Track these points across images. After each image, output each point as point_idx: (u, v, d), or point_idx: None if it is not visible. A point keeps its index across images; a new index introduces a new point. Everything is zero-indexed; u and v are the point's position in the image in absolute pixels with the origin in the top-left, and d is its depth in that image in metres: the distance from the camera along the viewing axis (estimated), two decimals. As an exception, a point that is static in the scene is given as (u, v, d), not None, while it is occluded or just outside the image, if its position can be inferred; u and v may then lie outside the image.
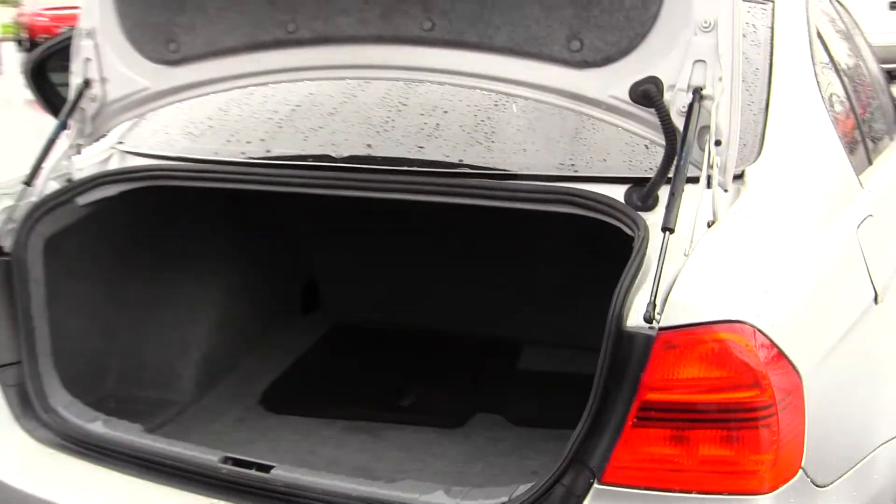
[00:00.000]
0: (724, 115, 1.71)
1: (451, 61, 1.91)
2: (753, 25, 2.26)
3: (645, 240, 1.60)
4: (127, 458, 1.85)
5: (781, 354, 1.51)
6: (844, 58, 2.74)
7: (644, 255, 1.58)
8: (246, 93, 2.34)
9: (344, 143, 2.09)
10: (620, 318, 1.51)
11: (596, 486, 1.52)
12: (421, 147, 2.05)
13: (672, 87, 1.74)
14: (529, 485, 1.58)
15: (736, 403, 1.49)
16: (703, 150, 1.70)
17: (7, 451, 1.94)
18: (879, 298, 2.00)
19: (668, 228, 1.57)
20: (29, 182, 2.11)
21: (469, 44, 1.88)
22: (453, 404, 2.55)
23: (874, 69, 3.19)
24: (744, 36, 2.19)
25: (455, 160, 1.98)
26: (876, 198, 2.26)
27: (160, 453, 1.84)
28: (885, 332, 2.00)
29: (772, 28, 2.24)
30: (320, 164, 2.02)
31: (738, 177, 1.83)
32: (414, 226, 2.62)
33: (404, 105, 2.17)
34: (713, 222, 1.66)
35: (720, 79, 1.70)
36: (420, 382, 2.69)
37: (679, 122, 1.71)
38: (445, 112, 2.12)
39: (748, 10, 2.31)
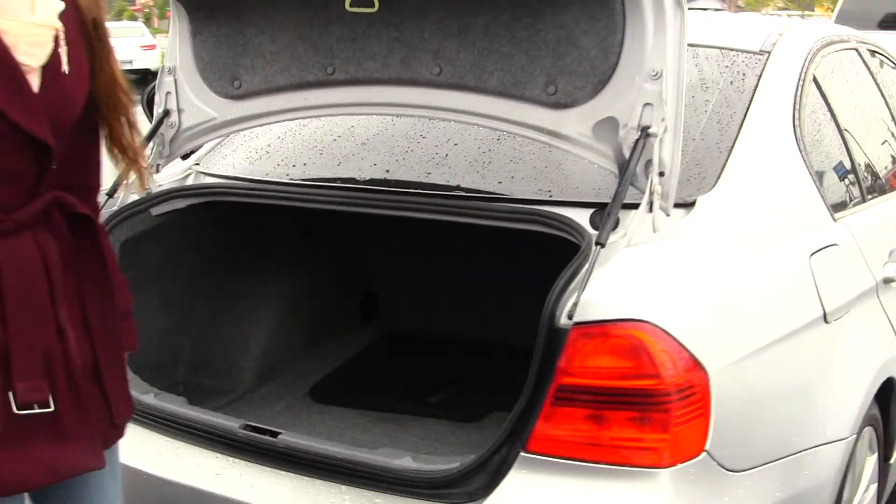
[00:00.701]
0: (666, 150, 2.01)
1: (454, 101, 2.27)
2: (743, 74, 2.53)
3: (584, 252, 1.91)
4: (167, 424, 2.24)
5: (685, 352, 1.79)
6: (852, 108, 2.97)
7: (580, 264, 1.88)
8: (302, 124, 2.75)
9: (369, 169, 2.48)
10: (552, 315, 1.82)
11: (522, 454, 1.83)
12: (429, 173, 2.42)
13: (626, 125, 2.05)
14: (477, 454, 1.90)
15: (639, 390, 1.78)
16: (648, 181, 2.00)
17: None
18: (830, 318, 2.24)
19: (599, 243, 1.88)
20: (111, 194, 2.56)
21: (468, 87, 2.24)
22: (476, 403, 2.87)
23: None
24: (731, 83, 2.50)
25: (454, 184, 2.34)
26: (852, 231, 2.49)
27: (193, 419, 2.23)
28: (834, 349, 2.24)
29: (759, 77, 2.51)
30: (344, 185, 2.41)
31: (691, 204, 2.11)
32: (461, 243, 2.96)
33: (423, 137, 2.53)
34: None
35: (663, 119, 2.00)
36: (453, 384, 3.02)
37: (638, 157, 2.02)
38: (455, 144, 2.49)
39: (744, 60, 2.59)
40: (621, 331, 1.77)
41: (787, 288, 2.16)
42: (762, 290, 2.07)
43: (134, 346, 1.86)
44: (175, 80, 2.65)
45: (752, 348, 1.98)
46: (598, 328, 1.78)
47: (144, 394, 2.35)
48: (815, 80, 2.70)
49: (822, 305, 2.22)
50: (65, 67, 1.62)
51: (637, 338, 1.77)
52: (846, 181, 2.70)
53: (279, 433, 2.12)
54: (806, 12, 21.72)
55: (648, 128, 2.01)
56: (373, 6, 2.25)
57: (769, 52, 2.62)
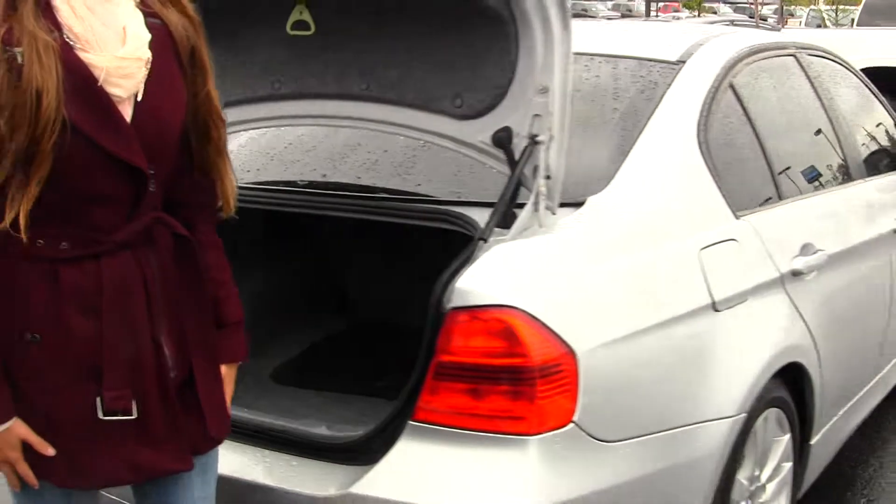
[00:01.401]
0: (552, 156, 2.26)
1: (379, 113, 2.54)
2: (655, 83, 2.76)
3: (472, 246, 2.17)
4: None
5: (552, 334, 2.04)
6: (778, 112, 3.18)
7: (467, 256, 2.14)
8: (261, 133, 3.03)
9: (309, 173, 2.76)
10: (436, 301, 2.08)
11: (410, 423, 2.10)
12: (359, 177, 2.69)
13: (518, 134, 2.30)
14: (376, 423, 2.17)
15: (508, 367, 2.03)
16: (535, 183, 2.25)
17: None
18: (720, 307, 2.46)
19: (481, 238, 2.14)
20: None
21: (391, 100, 2.51)
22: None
23: (851, 120, 3.56)
24: (641, 92, 2.73)
25: (380, 186, 2.62)
26: (756, 228, 2.71)
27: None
28: (722, 335, 2.46)
29: (669, 85, 2.74)
30: (286, 189, 2.70)
31: (580, 203, 2.36)
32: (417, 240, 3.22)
33: (359, 145, 2.81)
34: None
35: (549, 129, 2.25)
36: (401, 370, 3.28)
37: (525, 162, 2.27)
38: (385, 151, 2.76)
39: (659, 69, 2.82)
40: (492, 315, 2.02)
41: (671, 278, 2.38)
42: (642, 280, 2.30)
43: (244, 357, 2.01)
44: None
45: (627, 331, 2.21)
46: (472, 312, 2.03)
47: None
48: (732, 87, 2.91)
49: (711, 295, 2.44)
50: (150, 96, 1.72)
51: (506, 321, 2.02)
52: (758, 182, 2.91)
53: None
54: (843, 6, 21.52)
55: (536, 136, 2.26)
56: (309, 30, 2.53)
57: (684, 62, 2.85)
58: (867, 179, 3.60)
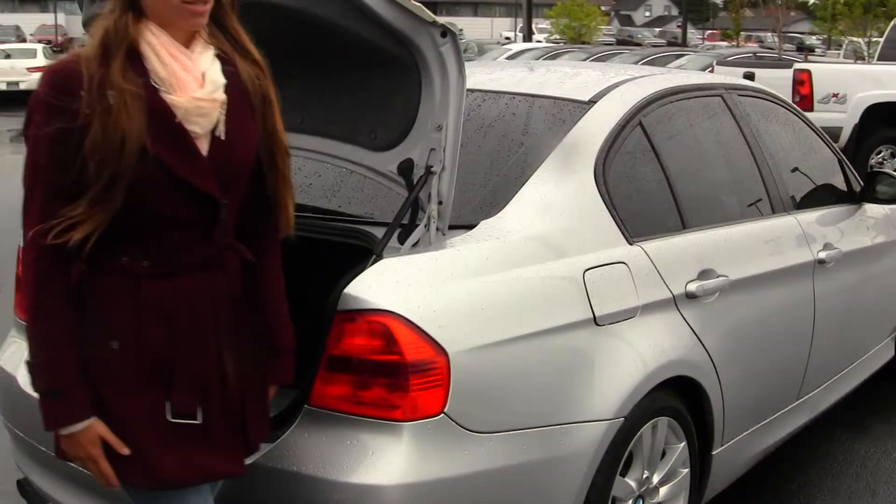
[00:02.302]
0: (444, 185, 2.60)
1: (311, 144, 2.91)
2: (563, 120, 3.09)
3: (368, 259, 2.51)
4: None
5: (426, 336, 2.37)
6: (693, 149, 3.49)
7: (361, 268, 2.48)
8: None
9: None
10: (333, 304, 2.43)
11: (306, 406, 2.44)
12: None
13: (418, 165, 2.65)
14: (280, 408, 2.52)
15: (386, 363, 2.37)
16: (429, 207, 2.60)
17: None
18: (601, 321, 2.77)
19: (375, 253, 2.49)
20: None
21: (320, 132, 2.88)
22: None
23: (775, 155, 3.85)
24: (549, 128, 3.07)
25: (309, 205, 2.98)
26: (650, 253, 3.01)
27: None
28: (602, 346, 2.77)
29: (575, 123, 3.07)
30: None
31: (473, 226, 2.69)
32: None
33: (299, 170, 3.17)
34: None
35: (441, 161, 2.60)
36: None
37: (420, 189, 2.62)
38: (319, 175, 3.14)
39: (570, 109, 3.15)
40: (373, 318, 2.37)
41: (551, 294, 2.70)
42: (521, 295, 2.62)
43: (290, 381, 2.24)
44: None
45: (502, 338, 2.53)
46: (357, 315, 2.38)
47: None
48: (640, 125, 3.23)
49: (592, 311, 2.76)
50: (223, 133, 1.96)
51: (384, 324, 2.36)
52: (660, 212, 3.22)
53: None
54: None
55: (431, 167, 2.60)
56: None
57: (595, 102, 3.18)
58: (793, 213, 3.87)
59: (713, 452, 3.33)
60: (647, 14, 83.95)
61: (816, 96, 10.76)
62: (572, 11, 35.13)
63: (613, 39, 56.27)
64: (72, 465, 2.76)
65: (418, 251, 2.55)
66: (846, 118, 10.79)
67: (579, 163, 2.97)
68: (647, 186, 3.23)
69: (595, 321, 2.77)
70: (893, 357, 5.02)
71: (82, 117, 1.84)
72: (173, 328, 1.95)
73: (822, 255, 3.89)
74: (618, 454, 2.83)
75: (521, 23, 35.07)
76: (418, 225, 2.59)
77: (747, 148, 3.75)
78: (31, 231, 1.91)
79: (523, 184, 2.84)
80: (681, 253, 3.18)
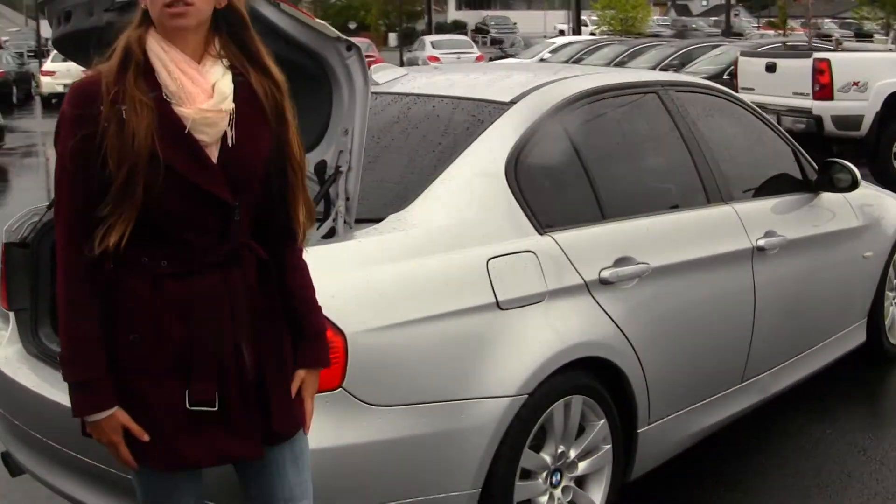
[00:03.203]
0: (350, 183, 2.86)
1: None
2: (481, 120, 3.32)
3: None
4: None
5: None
6: (612, 145, 3.70)
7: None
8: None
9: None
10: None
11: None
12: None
13: (330, 166, 2.91)
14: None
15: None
16: (337, 202, 2.86)
17: (11, 356, 3.38)
18: (504, 305, 3.00)
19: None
20: (50, 206, 3.56)
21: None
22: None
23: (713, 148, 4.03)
24: (467, 128, 3.30)
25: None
26: (562, 243, 3.23)
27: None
28: (505, 329, 2.99)
29: (492, 122, 3.30)
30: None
31: (380, 219, 2.94)
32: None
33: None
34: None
35: (348, 162, 2.85)
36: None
37: (331, 187, 2.88)
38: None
39: (490, 109, 3.37)
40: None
41: (453, 281, 2.94)
42: (423, 280, 2.86)
43: (326, 364, 2.35)
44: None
45: (401, 320, 2.77)
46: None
47: (53, 343, 3.33)
48: (560, 123, 3.45)
49: (495, 295, 2.99)
50: (232, 141, 2.08)
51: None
52: (576, 204, 3.44)
53: None
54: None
55: (340, 167, 2.86)
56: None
57: (515, 103, 3.40)
58: (731, 203, 4.04)
59: (638, 430, 3.53)
60: (705, 3, 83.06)
61: (836, 85, 10.79)
62: (619, 3, 35.06)
63: (668, 30, 56.00)
64: (49, 442, 3.13)
65: (325, 242, 2.81)
66: (867, 106, 10.81)
67: (490, 160, 3.20)
68: (563, 181, 3.45)
69: (498, 305, 3.00)
70: (865, 341, 5.16)
71: (102, 125, 2.01)
72: (190, 323, 2.10)
73: (762, 242, 4.06)
74: (525, 429, 3.05)
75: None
76: (328, 219, 2.85)
77: (681, 141, 3.93)
78: (63, 235, 2.09)
79: (433, 180, 3.08)
80: (595, 242, 3.39)
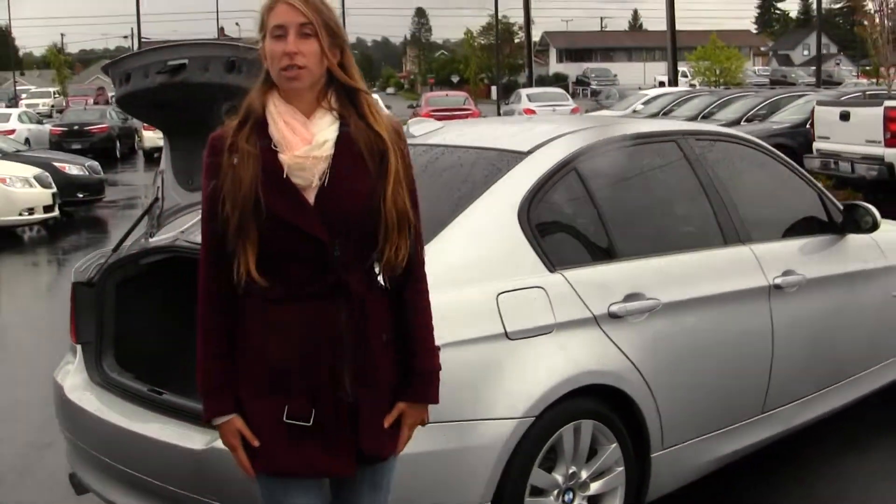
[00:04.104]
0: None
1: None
2: (499, 169, 3.66)
3: None
4: (122, 391, 3.66)
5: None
6: (629, 189, 3.99)
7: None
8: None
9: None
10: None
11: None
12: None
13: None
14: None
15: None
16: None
17: (78, 384, 3.83)
18: (513, 336, 3.31)
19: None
20: (115, 249, 4.03)
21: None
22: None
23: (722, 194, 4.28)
24: (486, 176, 3.64)
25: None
26: (571, 280, 3.53)
27: (129, 387, 3.64)
28: (514, 357, 3.30)
29: (509, 171, 3.63)
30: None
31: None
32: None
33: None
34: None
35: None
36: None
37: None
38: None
39: (508, 159, 3.71)
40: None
41: (466, 312, 3.26)
42: (437, 311, 3.14)
43: (432, 400, 2.53)
44: (162, 178, 4.11)
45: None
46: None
47: (117, 374, 3.77)
48: (576, 170, 3.77)
49: (504, 326, 3.30)
50: (330, 183, 2.32)
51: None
52: (589, 245, 3.74)
53: (163, 392, 3.48)
54: None
55: None
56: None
57: (532, 153, 3.74)
58: (748, 244, 4.28)
59: (652, 455, 3.77)
60: (806, 53, 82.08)
61: (908, 131, 10.83)
62: (713, 54, 35.09)
63: (767, 80, 55.53)
64: (110, 462, 3.53)
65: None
66: (941, 152, 10.82)
67: (504, 204, 3.53)
68: (576, 223, 3.76)
69: (507, 335, 3.31)
70: (905, 377, 5.28)
71: (223, 172, 2.35)
72: (292, 345, 2.35)
73: (779, 280, 4.28)
74: (533, 449, 3.34)
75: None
76: None
77: (699, 186, 4.20)
78: (203, 268, 2.43)
79: (449, 223, 3.43)
80: (605, 279, 3.67)
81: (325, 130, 2.37)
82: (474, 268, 3.38)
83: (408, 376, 2.50)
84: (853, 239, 4.87)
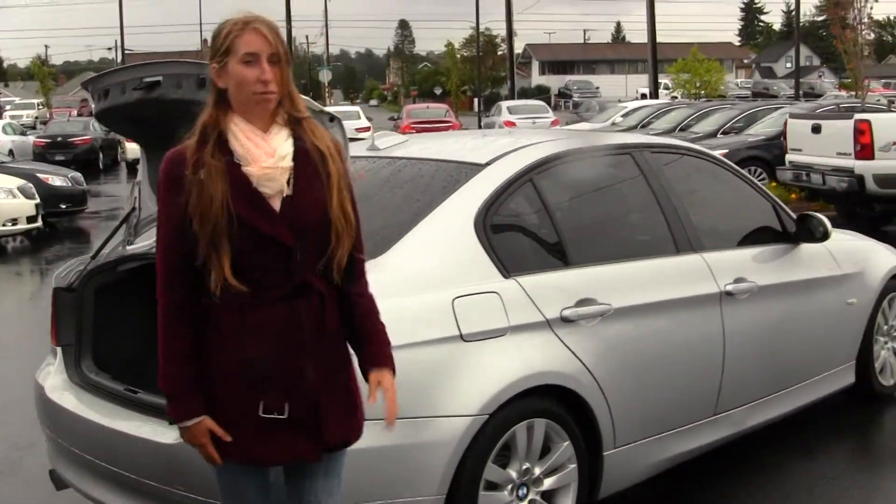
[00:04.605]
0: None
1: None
2: (457, 180, 3.86)
3: None
4: (100, 391, 3.84)
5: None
6: (582, 200, 4.20)
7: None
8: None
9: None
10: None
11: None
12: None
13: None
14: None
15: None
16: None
17: (58, 385, 4.01)
18: (468, 338, 3.51)
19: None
20: (94, 256, 4.21)
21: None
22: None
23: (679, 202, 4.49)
24: (444, 187, 3.84)
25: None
26: (525, 285, 3.73)
27: (106, 386, 3.82)
28: (468, 358, 3.49)
29: (466, 182, 3.83)
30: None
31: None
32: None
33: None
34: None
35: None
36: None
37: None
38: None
39: (466, 170, 3.91)
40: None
41: (422, 316, 3.45)
42: (392, 315, 3.34)
43: (385, 364, 2.71)
44: (139, 189, 4.29)
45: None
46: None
47: (94, 374, 3.95)
48: (531, 181, 3.97)
49: (459, 329, 3.49)
50: (293, 193, 2.53)
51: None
52: (543, 252, 3.94)
53: (138, 391, 3.66)
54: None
55: None
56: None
57: (490, 164, 3.94)
58: (701, 252, 4.48)
59: (604, 453, 3.96)
60: (788, 65, 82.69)
61: (877, 145, 11.10)
62: (693, 67, 35.47)
63: (749, 92, 55.98)
64: (88, 457, 3.70)
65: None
66: (909, 165, 11.08)
67: (461, 214, 3.73)
68: (530, 232, 3.96)
69: (462, 338, 3.50)
70: (854, 382, 5.50)
71: (187, 188, 2.51)
72: (264, 344, 2.54)
73: (730, 287, 4.49)
74: (487, 445, 3.52)
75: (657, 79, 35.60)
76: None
77: (652, 197, 4.41)
78: (160, 280, 2.61)
79: (407, 232, 3.62)
80: (558, 285, 3.87)
81: (283, 145, 2.58)
82: (432, 274, 3.57)
83: (367, 349, 2.74)
84: (806, 248, 5.08)
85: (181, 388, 2.60)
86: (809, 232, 5.05)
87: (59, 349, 4.09)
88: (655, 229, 4.43)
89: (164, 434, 3.36)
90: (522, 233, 3.97)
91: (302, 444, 2.61)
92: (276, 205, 2.54)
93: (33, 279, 12.08)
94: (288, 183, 2.56)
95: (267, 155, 2.55)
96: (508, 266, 3.75)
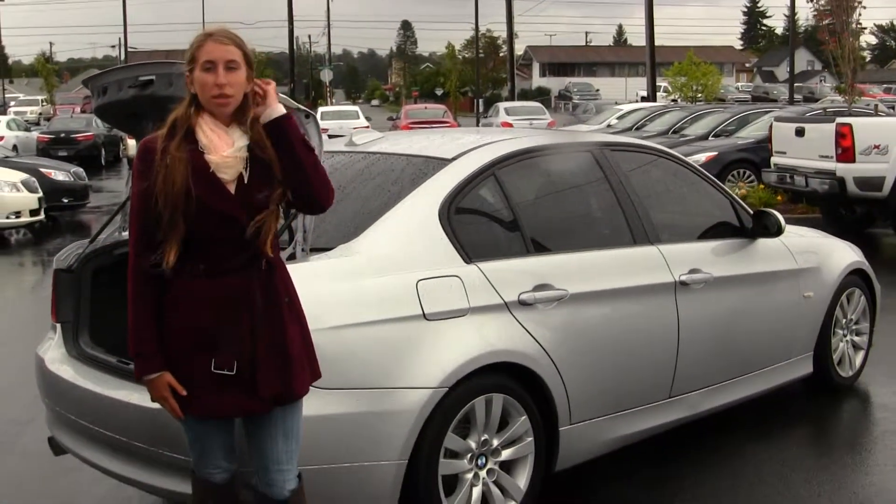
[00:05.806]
0: (308, 220, 3.72)
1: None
2: (425, 173, 4.17)
3: None
4: (98, 364, 4.16)
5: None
6: (543, 194, 4.52)
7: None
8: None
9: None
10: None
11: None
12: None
13: (293, 205, 3.79)
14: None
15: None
16: (297, 234, 3.73)
17: (57, 357, 4.33)
18: (430, 317, 3.82)
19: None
20: (92, 240, 4.52)
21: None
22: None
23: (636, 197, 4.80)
24: (413, 180, 4.16)
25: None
26: (485, 270, 4.04)
27: (101, 359, 4.14)
28: (430, 335, 3.80)
29: (433, 175, 4.15)
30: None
31: (331, 248, 3.80)
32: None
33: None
34: (289, 266, 3.68)
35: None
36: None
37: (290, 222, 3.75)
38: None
39: (434, 164, 4.23)
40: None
41: (388, 296, 3.76)
42: (357, 294, 3.69)
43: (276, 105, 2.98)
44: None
45: (340, 324, 3.60)
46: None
47: (91, 348, 4.27)
48: (494, 175, 4.28)
49: (422, 308, 3.81)
50: (248, 179, 2.91)
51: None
52: (504, 241, 4.27)
53: (129, 363, 3.96)
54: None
55: None
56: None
57: (456, 159, 4.26)
58: (657, 244, 4.79)
59: (560, 428, 4.28)
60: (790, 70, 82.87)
61: (858, 148, 11.39)
62: (689, 70, 35.74)
63: (749, 96, 56.22)
64: (83, 423, 4.02)
65: (289, 263, 3.67)
66: (888, 168, 11.38)
67: (427, 204, 4.04)
68: (492, 221, 4.28)
69: (425, 316, 3.82)
70: (812, 372, 5.80)
71: (155, 174, 2.89)
72: (217, 311, 2.93)
73: (684, 277, 4.80)
74: (447, 416, 3.82)
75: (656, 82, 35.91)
76: (289, 246, 3.73)
77: (611, 191, 4.72)
78: (132, 251, 3.00)
79: (377, 219, 3.94)
80: (517, 270, 4.18)
81: (241, 138, 2.97)
82: (398, 258, 3.89)
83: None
84: (763, 243, 5.39)
85: (146, 347, 2.98)
86: (765, 227, 5.36)
87: (58, 325, 4.41)
88: (613, 222, 4.74)
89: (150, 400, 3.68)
90: (485, 222, 4.28)
91: (249, 398, 2.97)
92: (232, 188, 2.92)
93: (35, 270, 12.40)
94: (245, 169, 2.94)
95: (226, 145, 2.93)
96: (470, 252, 4.06)
